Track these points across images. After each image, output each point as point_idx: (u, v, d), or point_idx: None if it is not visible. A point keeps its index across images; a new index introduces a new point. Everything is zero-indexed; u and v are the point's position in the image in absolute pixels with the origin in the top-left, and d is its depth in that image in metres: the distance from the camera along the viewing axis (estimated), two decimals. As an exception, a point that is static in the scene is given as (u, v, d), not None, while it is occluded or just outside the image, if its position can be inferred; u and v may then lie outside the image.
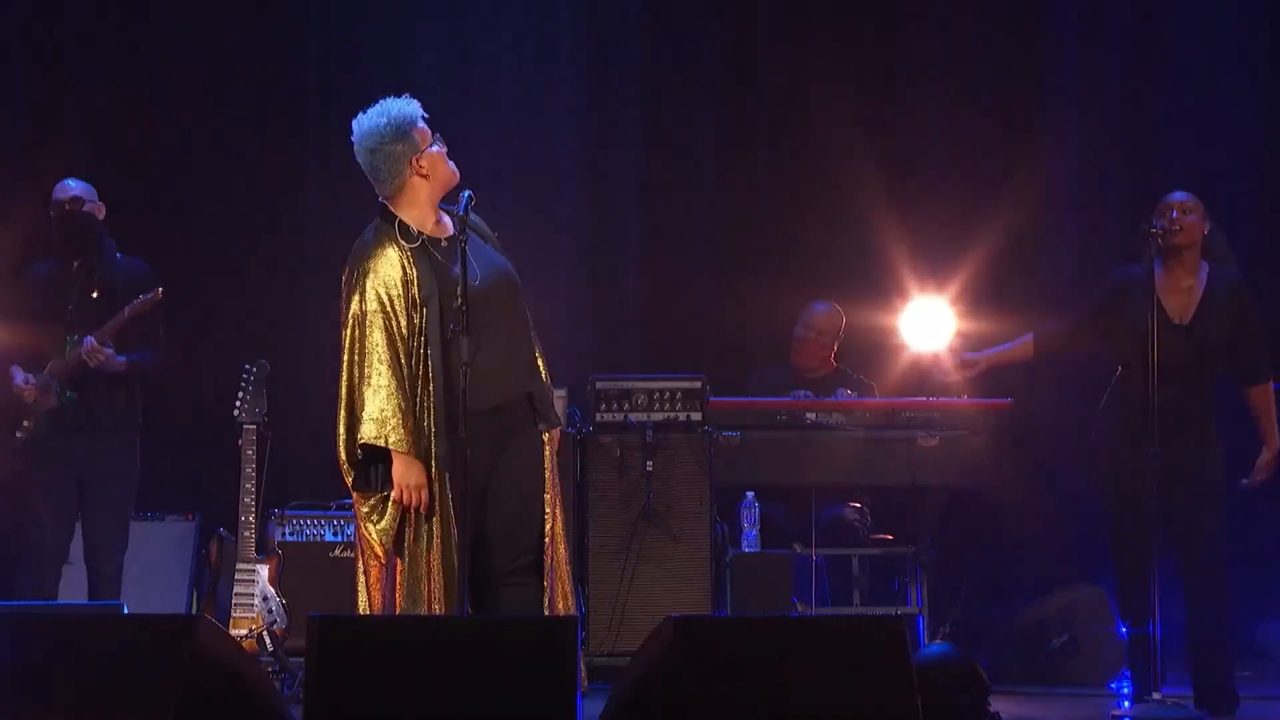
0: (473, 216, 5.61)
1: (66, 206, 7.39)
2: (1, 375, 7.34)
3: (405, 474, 5.46)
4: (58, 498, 7.30)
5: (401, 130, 5.57)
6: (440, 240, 5.60)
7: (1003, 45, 9.20)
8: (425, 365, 5.50)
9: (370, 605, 5.51)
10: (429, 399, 5.49)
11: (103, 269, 7.42)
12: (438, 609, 5.43)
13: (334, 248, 8.63)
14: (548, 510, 5.61)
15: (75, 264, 7.40)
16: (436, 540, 5.48)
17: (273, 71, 9.15)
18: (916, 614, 7.79)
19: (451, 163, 5.64)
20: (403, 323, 5.49)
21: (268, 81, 9.12)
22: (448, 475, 5.47)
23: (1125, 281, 6.81)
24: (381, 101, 5.63)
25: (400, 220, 5.59)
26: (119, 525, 7.39)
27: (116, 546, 7.37)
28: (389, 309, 5.48)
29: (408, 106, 5.63)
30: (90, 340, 7.24)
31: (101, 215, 7.47)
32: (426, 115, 5.65)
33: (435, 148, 5.62)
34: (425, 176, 5.60)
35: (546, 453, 5.65)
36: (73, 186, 7.44)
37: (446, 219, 5.67)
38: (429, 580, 5.47)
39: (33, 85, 8.99)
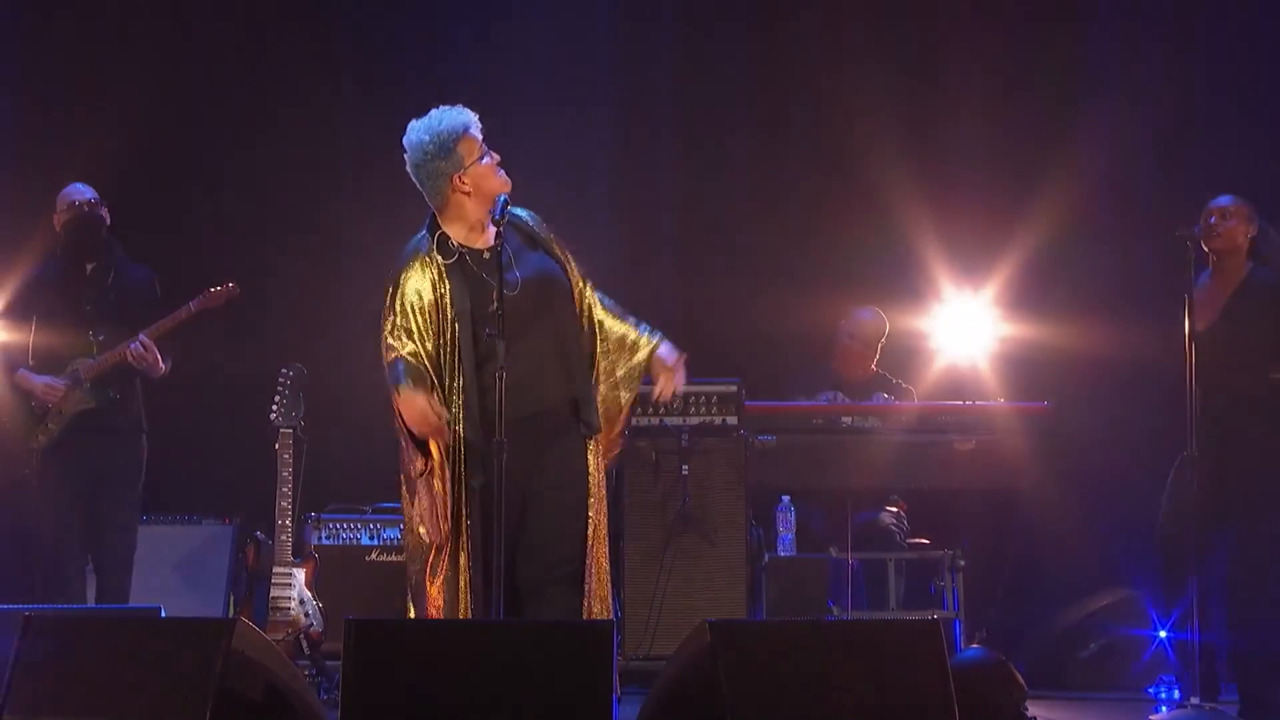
0: (523, 215, 5.68)
1: (84, 209, 7.43)
2: (9, 379, 7.37)
3: (408, 405, 5.44)
4: (74, 500, 7.33)
5: (444, 147, 5.61)
6: (483, 252, 5.62)
7: (1040, 44, 9.17)
8: (456, 379, 5.57)
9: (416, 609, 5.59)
10: (460, 414, 5.55)
11: (117, 271, 7.48)
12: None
13: (371, 250, 8.73)
14: (591, 515, 5.64)
15: (90, 266, 7.45)
16: (463, 559, 5.54)
17: (308, 69, 9.18)
18: (953, 618, 7.78)
19: (502, 174, 5.65)
20: (428, 341, 5.55)
21: (303, 78, 9.15)
22: (477, 491, 5.52)
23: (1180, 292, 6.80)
24: (431, 113, 5.66)
25: (442, 233, 5.63)
26: (130, 526, 7.44)
27: (129, 548, 7.41)
28: (414, 325, 5.55)
29: (455, 120, 5.64)
30: (143, 339, 7.27)
31: (109, 219, 7.52)
32: (473, 127, 5.66)
33: (484, 161, 5.64)
34: (469, 193, 5.63)
35: (591, 460, 5.67)
36: (84, 190, 7.48)
37: (514, 214, 5.72)
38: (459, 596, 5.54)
39: (67, 83, 9.04)
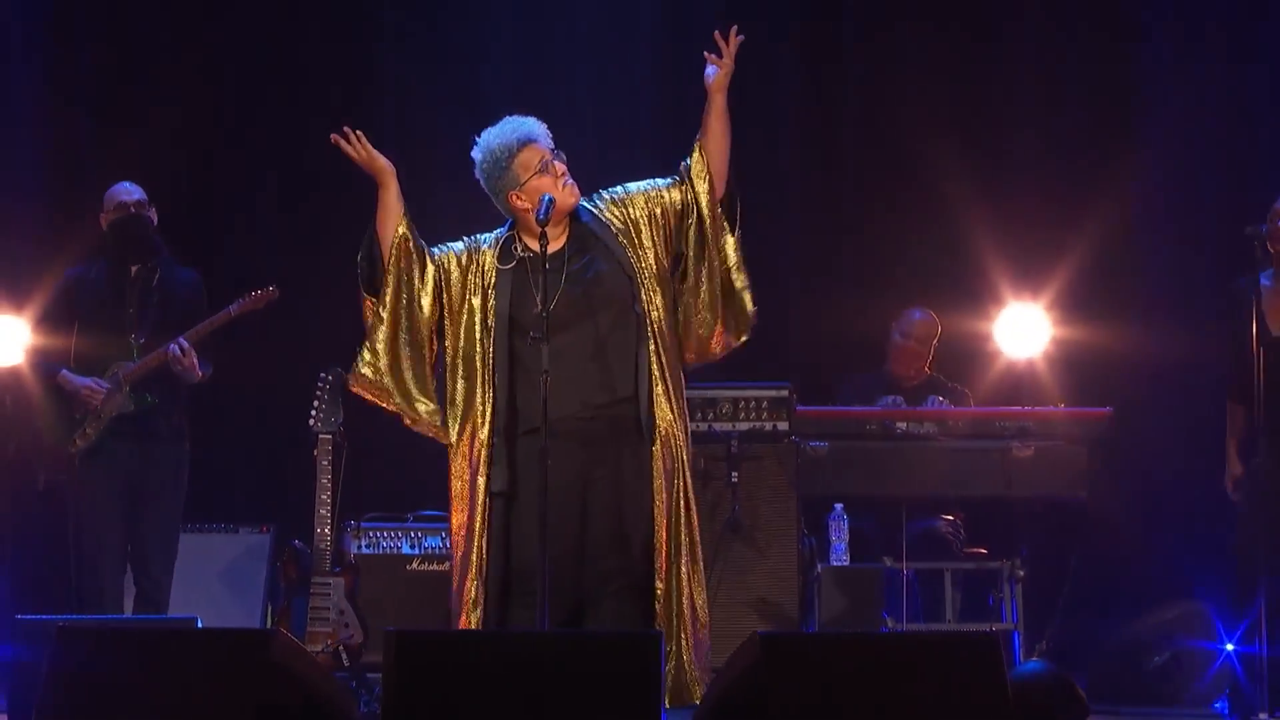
0: (594, 207, 5.74)
1: (132, 210, 7.45)
2: (50, 381, 7.39)
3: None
4: (113, 508, 7.35)
5: (499, 165, 5.74)
6: (541, 257, 5.63)
7: (1098, 45, 9.12)
8: (489, 388, 5.63)
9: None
10: (487, 420, 5.61)
11: (163, 273, 7.50)
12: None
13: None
14: (660, 522, 5.63)
15: (135, 268, 7.47)
16: (477, 564, 5.62)
17: (348, 69, 9.19)
18: (1012, 630, 7.73)
19: (567, 184, 5.68)
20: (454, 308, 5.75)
21: (343, 79, 9.16)
22: (499, 497, 5.61)
23: (1235, 292, 6.76)
24: (494, 126, 5.78)
25: (509, 236, 5.72)
26: (171, 536, 7.45)
27: (169, 558, 7.43)
28: (443, 287, 5.75)
29: (509, 136, 5.74)
30: (183, 343, 7.29)
31: (155, 220, 7.54)
32: (531, 141, 5.72)
33: (542, 176, 5.69)
34: (527, 209, 5.70)
35: (656, 466, 5.66)
36: (133, 190, 7.50)
37: (580, 221, 5.78)
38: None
39: (101, 90, 9.09)
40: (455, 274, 5.79)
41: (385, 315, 5.73)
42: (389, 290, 5.73)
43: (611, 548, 5.62)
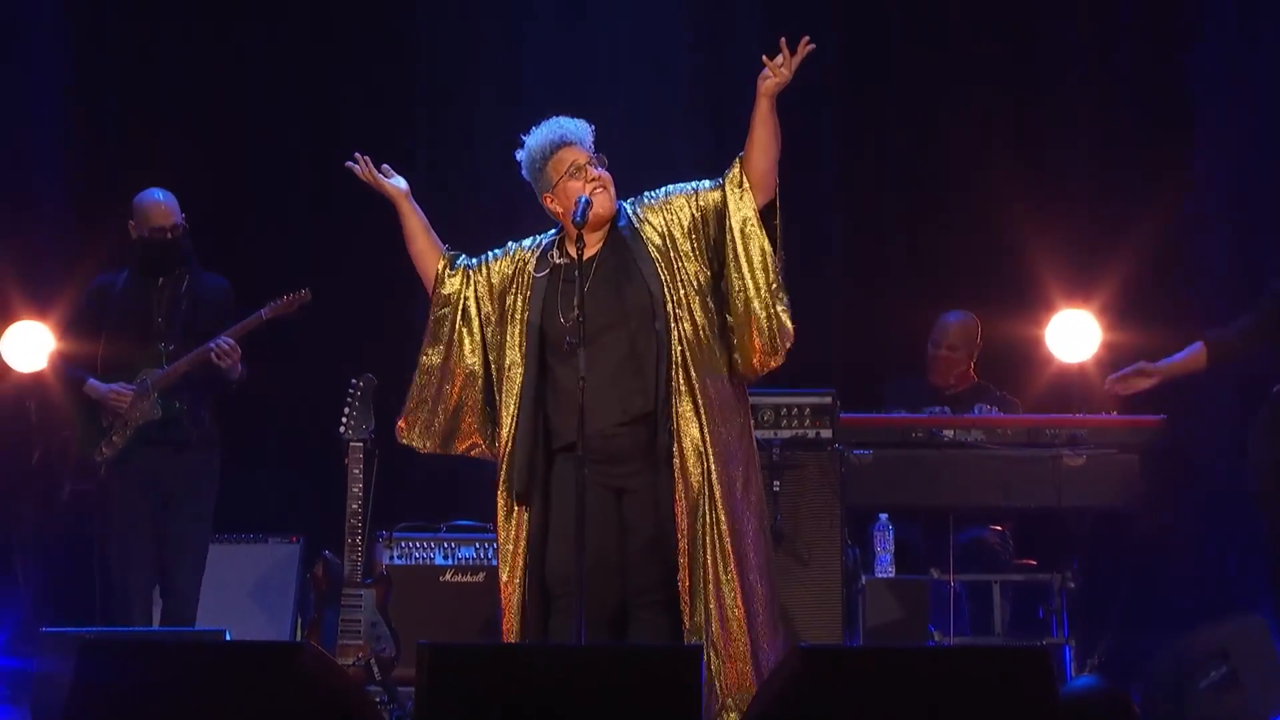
0: (633, 212, 5.76)
1: (169, 236, 7.44)
2: (77, 390, 7.41)
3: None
4: (141, 518, 7.36)
5: (534, 167, 5.80)
6: (575, 264, 5.64)
7: (1151, 46, 9.07)
8: (514, 397, 5.68)
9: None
10: (512, 428, 5.66)
11: (191, 280, 7.51)
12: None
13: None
14: (684, 533, 5.62)
15: (162, 278, 7.48)
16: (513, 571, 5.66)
17: (380, 74, 9.20)
18: (1063, 644, 7.72)
19: (598, 192, 5.69)
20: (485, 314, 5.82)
21: (376, 81, 9.17)
22: (524, 509, 5.66)
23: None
24: (539, 126, 5.82)
25: (550, 241, 5.76)
26: (201, 548, 7.46)
27: (197, 569, 7.44)
28: (478, 294, 5.83)
29: (544, 139, 5.78)
30: (227, 340, 7.30)
31: (186, 227, 7.54)
32: (564, 144, 5.74)
33: (572, 180, 5.70)
34: (559, 212, 5.76)
35: (677, 487, 5.63)
36: (171, 211, 7.45)
37: (617, 226, 5.78)
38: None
39: (127, 90, 9.11)
40: (484, 287, 5.83)
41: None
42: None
43: (644, 562, 5.62)
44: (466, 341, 5.88)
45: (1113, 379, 7.35)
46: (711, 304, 5.73)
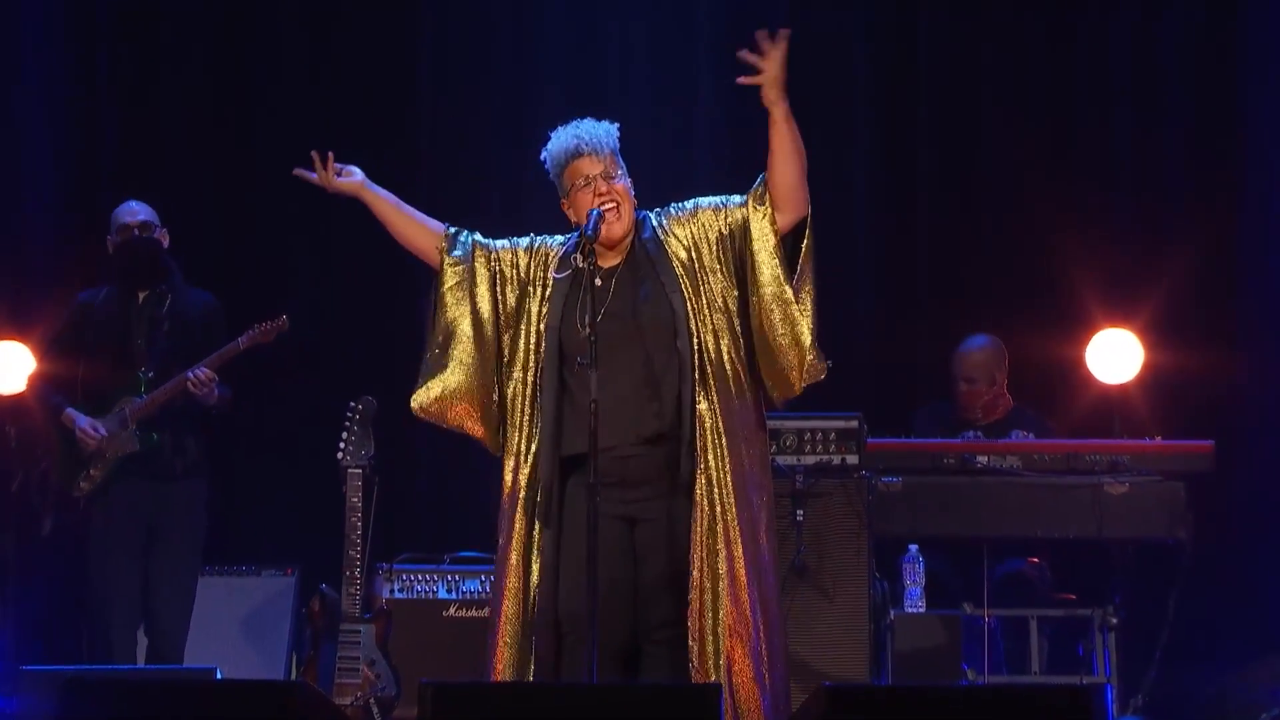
0: (659, 224, 5.76)
1: (136, 232, 7.48)
2: (55, 419, 7.42)
3: None
4: (125, 553, 7.37)
5: (553, 173, 5.80)
6: (597, 273, 5.67)
7: (1200, 57, 9.06)
8: (525, 401, 5.71)
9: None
10: (526, 445, 5.70)
11: (173, 299, 7.52)
12: (506, 673, 5.59)
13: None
14: (694, 576, 5.60)
15: (142, 295, 7.49)
16: (513, 591, 5.67)
17: (381, 92, 9.19)
18: (1104, 683, 7.70)
19: (608, 207, 5.68)
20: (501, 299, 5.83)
21: (380, 84, 9.17)
22: (535, 536, 5.65)
23: None
24: (562, 127, 5.81)
25: (575, 243, 5.70)
26: (188, 582, 7.48)
27: (185, 605, 7.46)
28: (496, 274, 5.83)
29: (562, 144, 5.78)
30: (204, 370, 7.31)
31: (166, 242, 7.57)
32: (577, 154, 5.73)
33: (583, 189, 5.70)
34: (574, 221, 5.77)
35: (695, 515, 5.60)
36: (139, 210, 7.52)
37: (641, 238, 5.78)
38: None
39: (118, 99, 9.13)
40: (507, 265, 5.85)
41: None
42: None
43: (656, 596, 5.61)
44: (484, 306, 5.84)
45: None
46: (739, 325, 5.72)
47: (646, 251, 5.75)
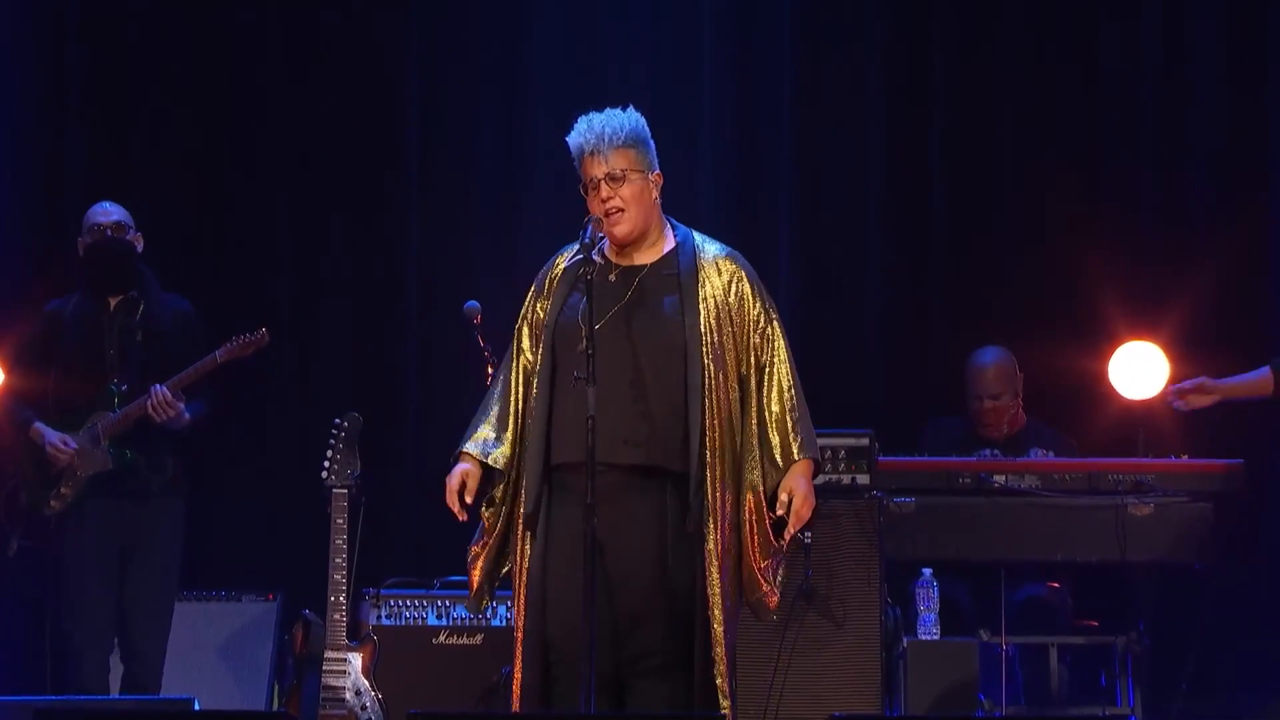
0: (701, 248, 5.76)
1: (109, 232, 7.44)
2: (23, 434, 7.39)
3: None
4: (98, 575, 7.35)
5: (574, 162, 5.75)
6: (608, 267, 5.68)
7: (1226, 65, 9.05)
8: (519, 399, 5.74)
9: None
10: (515, 443, 5.71)
11: (147, 307, 7.48)
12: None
13: (438, 285, 8.76)
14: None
15: (114, 302, 7.46)
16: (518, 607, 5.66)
17: (368, 100, 9.16)
18: (1128, 715, 7.70)
19: (610, 214, 5.65)
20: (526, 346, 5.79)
21: (363, 107, 9.15)
22: (531, 535, 5.62)
23: None
24: (582, 119, 5.78)
25: (584, 245, 5.65)
26: (165, 606, 7.46)
27: (162, 630, 7.44)
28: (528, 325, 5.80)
29: (574, 142, 5.75)
30: (162, 390, 7.27)
31: (141, 246, 7.53)
32: (582, 154, 5.72)
33: (592, 194, 5.69)
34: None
35: (708, 546, 5.57)
36: (112, 210, 7.49)
37: (666, 242, 5.77)
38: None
39: (92, 96, 9.11)
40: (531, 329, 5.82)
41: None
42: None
43: (634, 624, 5.57)
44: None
45: (1174, 389, 7.39)
46: (736, 384, 5.70)
47: (675, 270, 5.70)
